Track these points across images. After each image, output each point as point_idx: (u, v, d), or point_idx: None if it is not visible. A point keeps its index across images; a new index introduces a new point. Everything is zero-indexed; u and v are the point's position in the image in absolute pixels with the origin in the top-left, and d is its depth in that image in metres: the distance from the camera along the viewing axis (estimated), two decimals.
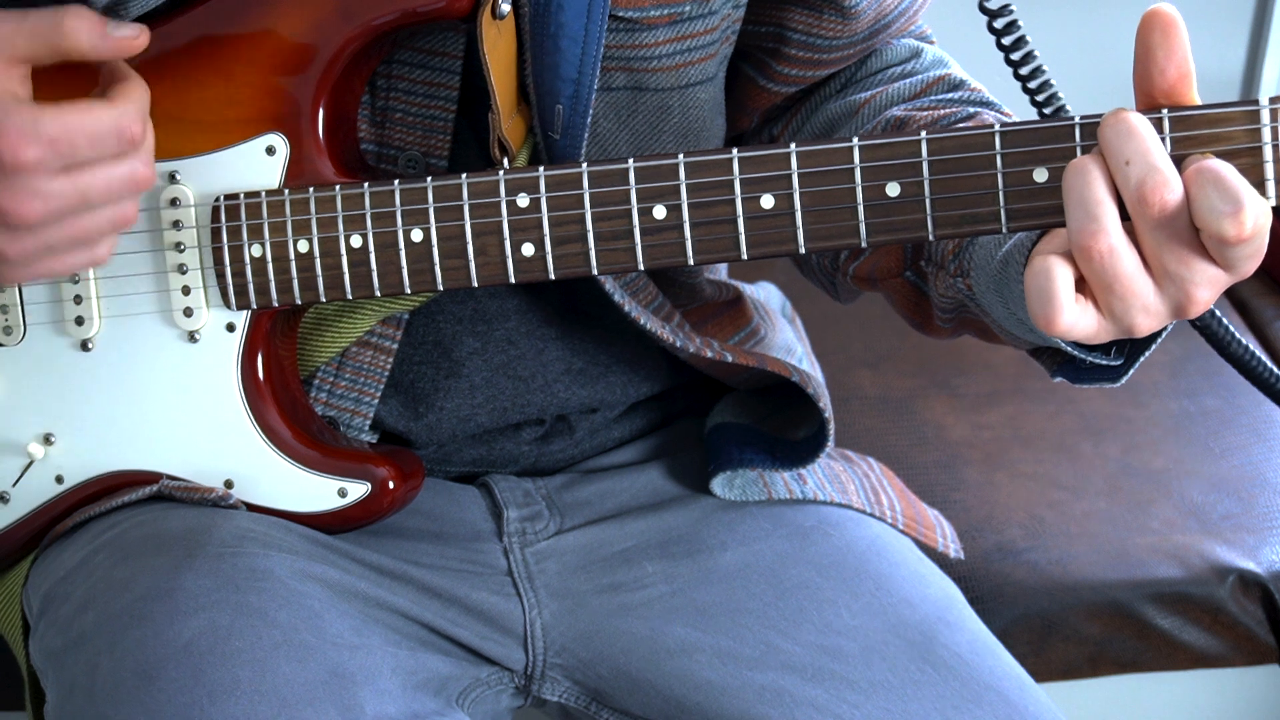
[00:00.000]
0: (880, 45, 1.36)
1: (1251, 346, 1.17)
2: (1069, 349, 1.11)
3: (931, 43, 1.40)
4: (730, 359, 1.32)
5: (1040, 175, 1.02)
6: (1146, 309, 0.99)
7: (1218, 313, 1.15)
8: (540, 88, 1.19)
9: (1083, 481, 1.84)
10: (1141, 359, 1.11)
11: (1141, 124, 0.97)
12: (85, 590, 1.14)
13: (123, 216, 1.11)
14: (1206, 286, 0.98)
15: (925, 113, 1.29)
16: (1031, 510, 1.79)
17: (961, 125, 1.06)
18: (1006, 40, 1.11)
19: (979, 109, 1.29)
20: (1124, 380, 1.12)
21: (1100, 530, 1.76)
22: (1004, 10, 1.10)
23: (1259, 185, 0.99)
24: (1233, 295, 2.25)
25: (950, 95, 1.32)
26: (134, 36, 1.10)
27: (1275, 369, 1.18)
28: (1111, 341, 1.11)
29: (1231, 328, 1.16)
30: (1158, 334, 1.09)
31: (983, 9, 1.09)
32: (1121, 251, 0.97)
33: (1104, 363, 1.12)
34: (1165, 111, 0.98)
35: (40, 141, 1.04)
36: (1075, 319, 1.00)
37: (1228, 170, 0.95)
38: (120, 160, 1.08)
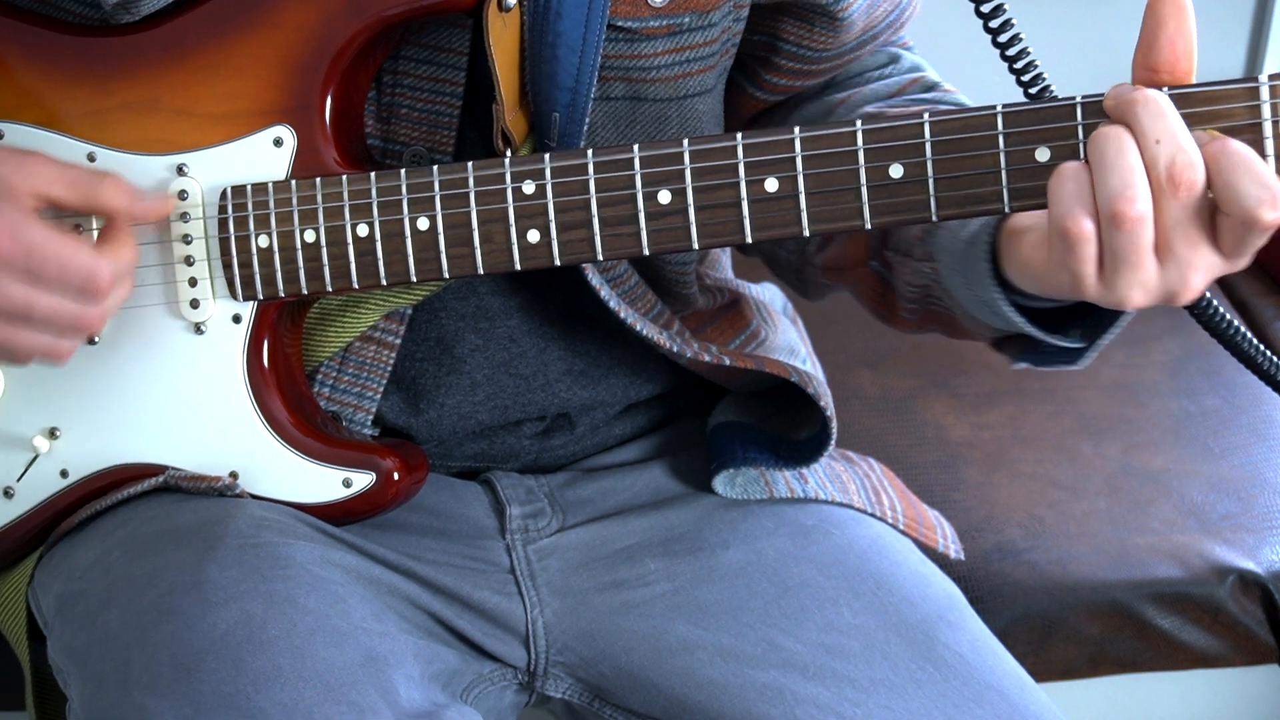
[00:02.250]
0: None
1: (1250, 334, 1.18)
2: (1033, 331, 1.13)
3: (909, 49, 1.43)
4: (729, 363, 1.32)
5: (1042, 154, 1.03)
6: (1145, 285, 1.01)
7: (1215, 303, 1.16)
8: (537, 96, 1.20)
9: (1083, 481, 1.84)
10: (1104, 340, 1.13)
11: (1168, 104, 0.99)
12: (104, 587, 1.14)
13: (55, 351, 1.16)
14: (1205, 272, 1.00)
15: (898, 110, 1.31)
16: (1031, 510, 1.79)
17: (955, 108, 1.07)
18: (988, 14, 1.11)
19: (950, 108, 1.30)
20: (1084, 363, 1.15)
21: (1100, 530, 1.76)
22: (998, 10, 1.10)
23: None
24: (1232, 295, 2.26)
25: (924, 95, 1.35)
26: (161, 202, 1.18)
27: (1270, 354, 1.18)
28: (1075, 321, 1.14)
29: (1226, 313, 1.17)
30: (1120, 317, 1.12)
31: (978, 12, 1.09)
32: (1149, 222, 0.98)
33: (1066, 345, 1.14)
34: (1166, 90, 1.00)
35: (18, 241, 1.10)
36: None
37: (1253, 155, 0.97)
38: (75, 300, 1.13)
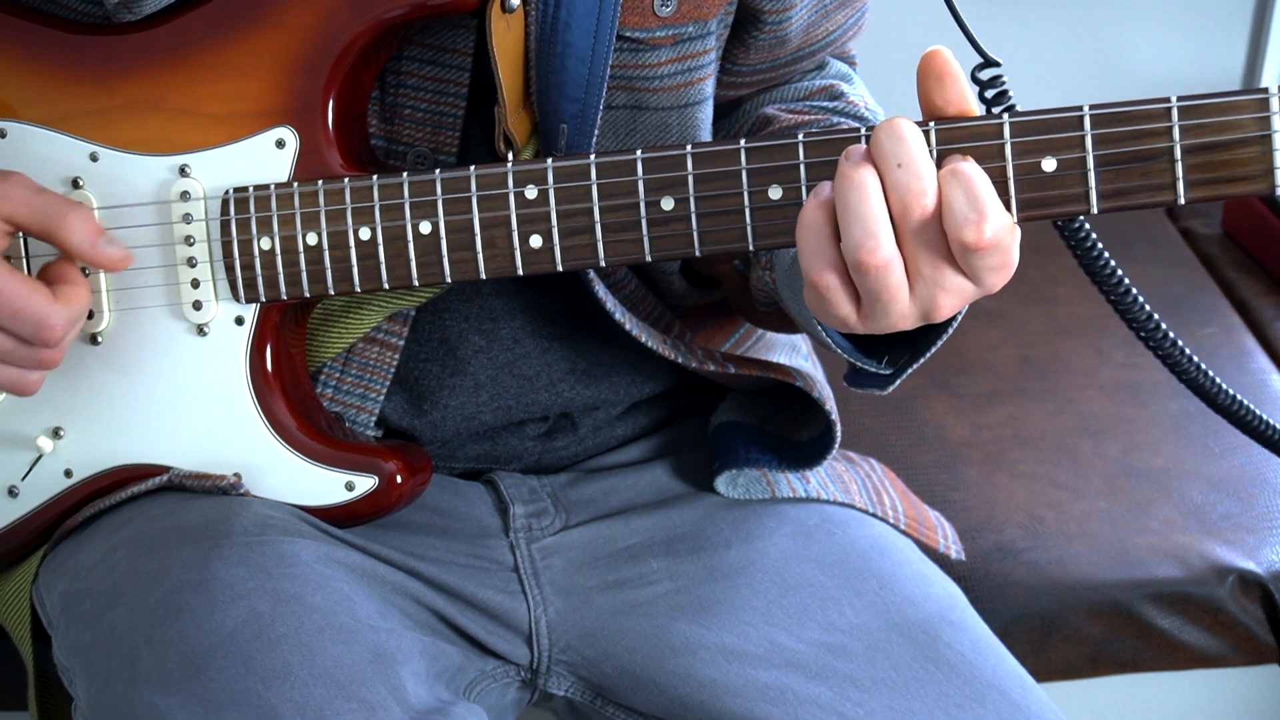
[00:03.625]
0: None
1: (1240, 397, 1.18)
2: (840, 351, 1.15)
3: (852, 64, 1.45)
4: (733, 370, 1.32)
5: (1049, 165, 1.03)
6: (902, 313, 1.03)
7: (1206, 368, 1.16)
8: (544, 106, 1.20)
9: (1083, 481, 1.84)
10: (908, 372, 1.16)
11: (910, 130, 1.01)
12: (110, 585, 1.15)
13: (23, 383, 1.17)
14: (953, 294, 1.03)
15: (792, 115, 1.33)
16: (1031, 510, 1.79)
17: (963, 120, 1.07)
18: (995, 109, 1.11)
19: (842, 119, 1.33)
20: (891, 389, 1.17)
21: (1100, 530, 1.76)
22: (996, 81, 1.11)
23: (1266, 174, 1.00)
24: (1233, 295, 2.26)
25: (825, 104, 1.36)
26: (120, 257, 1.16)
27: (1266, 418, 1.19)
28: (885, 350, 1.17)
29: (1219, 380, 1.17)
30: (927, 348, 1.14)
31: (974, 79, 1.10)
32: (894, 263, 1.01)
33: (874, 370, 1.17)
34: (1174, 99, 0.99)
35: None
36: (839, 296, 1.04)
37: (979, 178, 1.00)
38: (28, 345, 1.14)
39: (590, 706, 1.29)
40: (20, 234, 1.18)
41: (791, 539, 1.31)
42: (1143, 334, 1.15)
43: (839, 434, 1.32)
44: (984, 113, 1.07)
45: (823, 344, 1.18)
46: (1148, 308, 1.15)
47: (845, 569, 1.29)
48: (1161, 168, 1.01)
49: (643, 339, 1.26)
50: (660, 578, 1.29)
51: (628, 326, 1.25)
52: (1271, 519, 1.77)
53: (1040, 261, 2.30)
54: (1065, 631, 1.68)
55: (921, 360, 1.16)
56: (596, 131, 1.20)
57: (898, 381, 1.17)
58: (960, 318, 1.12)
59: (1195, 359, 1.17)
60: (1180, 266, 2.32)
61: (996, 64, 1.10)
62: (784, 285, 1.20)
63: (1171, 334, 1.16)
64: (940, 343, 1.14)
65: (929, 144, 1.03)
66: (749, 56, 1.32)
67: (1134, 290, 1.14)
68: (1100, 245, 1.13)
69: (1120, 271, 1.13)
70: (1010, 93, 1.09)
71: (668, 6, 1.22)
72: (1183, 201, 1.01)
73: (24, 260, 1.21)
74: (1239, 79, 2.43)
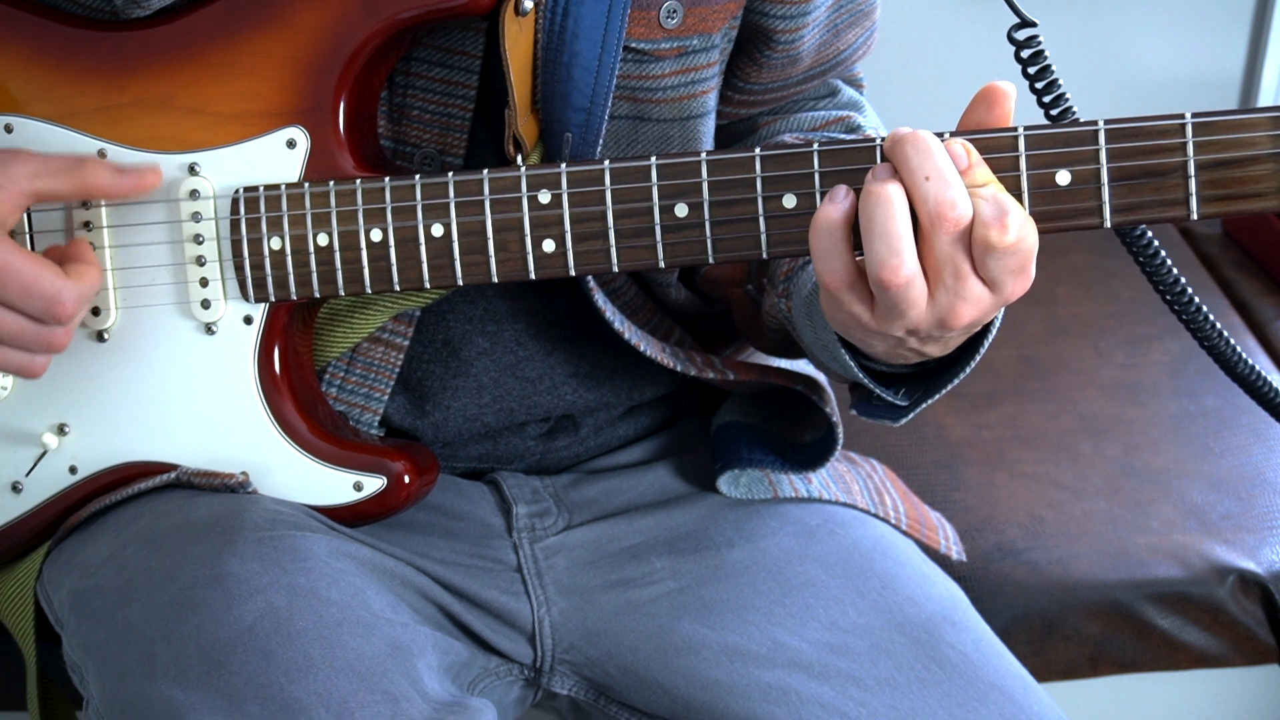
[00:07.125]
0: None
1: (1257, 365, 1.18)
2: (862, 378, 1.16)
3: (860, 86, 1.45)
4: (733, 377, 1.32)
5: (1063, 178, 1.03)
6: (919, 318, 1.04)
7: (1225, 332, 1.17)
8: (549, 115, 1.20)
9: (1083, 481, 1.85)
10: (924, 405, 1.17)
11: (935, 142, 1.01)
12: (122, 582, 1.15)
13: (30, 367, 1.17)
14: (972, 305, 1.03)
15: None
16: (1031, 510, 1.79)
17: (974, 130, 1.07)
18: (1031, 69, 1.12)
19: None
20: (904, 420, 1.19)
21: (1100, 530, 1.76)
22: (1032, 40, 1.11)
23: (1278, 191, 1.00)
24: (1232, 295, 2.26)
25: (841, 136, 1.36)
26: (147, 174, 1.18)
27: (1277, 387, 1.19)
28: (902, 382, 1.18)
29: (1239, 347, 1.17)
30: (946, 382, 1.15)
31: (1011, 39, 1.10)
32: (916, 278, 1.02)
33: (892, 401, 1.18)
34: (1189, 115, 0.99)
35: None
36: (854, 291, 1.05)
37: (997, 185, 1.01)
38: (38, 323, 1.14)
39: (593, 706, 1.29)
40: (25, 211, 1.18)
41: (794, 539, 1.31)
42: (1182, 314, 1.17)
43: (840, 437, 1.33)
44: (1020, 74, 1.08)
45: (838, 376, 1.18)
46: (1176, 272, 1.17)
47: (848, 569, 1.29)
48: (1174, 183, 1.02)
49: (641, 347, 1.26)
50: (663, 577, 1.30)
51: (626, 335, 1.25)
52: (1271, 519, 1.78)
53: (1040, 261, 2.27)
54: (1065, 631, 1.69)
55: (937, 396, 1.16)
56: (600, 141, 1.20)
57: (912, 414, 1.18)
58: (979, 357, 1.13)
59: (1219, 326, 1.19)
60: (1180, 266, 2.30)
61: (1033, 24, 1.10)
62: (800, 315, 1.20)
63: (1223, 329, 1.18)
64: (956, 381, 1.15)
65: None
66: (761, 75, 1.32)
67: (1168, 260, 1.17)
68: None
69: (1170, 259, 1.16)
70: (1047, 53, 1.09)
71: (674, 19, 1.22)
72: (1195, 217, 1.02)
73: (27, 236, 1.21)
74: (1239, 79, 2.43)
